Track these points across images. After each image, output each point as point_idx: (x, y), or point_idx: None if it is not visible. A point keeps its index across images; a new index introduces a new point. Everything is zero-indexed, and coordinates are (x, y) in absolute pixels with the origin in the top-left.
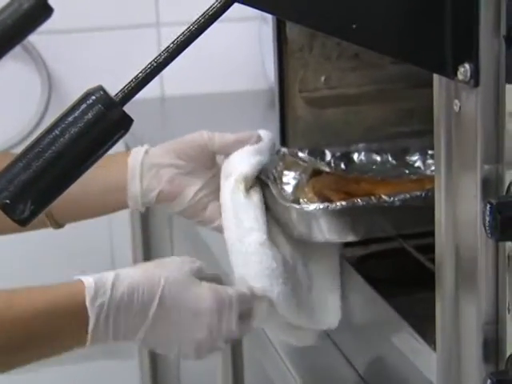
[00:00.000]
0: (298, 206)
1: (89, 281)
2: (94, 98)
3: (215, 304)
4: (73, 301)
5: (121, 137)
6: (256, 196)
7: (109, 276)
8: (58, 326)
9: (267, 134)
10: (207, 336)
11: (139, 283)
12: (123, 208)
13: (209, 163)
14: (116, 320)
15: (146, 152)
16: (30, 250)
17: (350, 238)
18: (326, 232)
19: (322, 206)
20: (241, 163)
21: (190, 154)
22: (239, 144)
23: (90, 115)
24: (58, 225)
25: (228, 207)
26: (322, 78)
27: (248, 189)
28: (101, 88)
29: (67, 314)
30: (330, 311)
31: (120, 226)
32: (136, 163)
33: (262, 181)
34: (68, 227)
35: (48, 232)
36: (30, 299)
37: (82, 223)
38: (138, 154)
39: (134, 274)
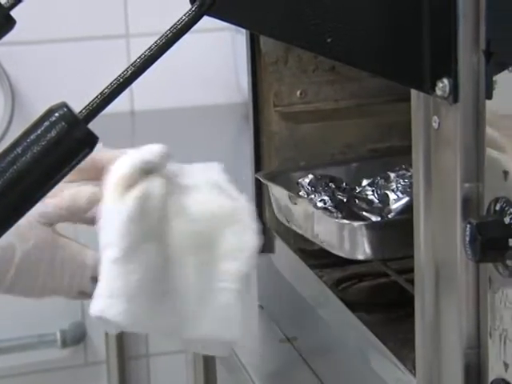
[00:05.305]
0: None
1: None
2: (57, 115)
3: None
4: None
5: (85, 155)
6: (131, 199)
7: None
8: None
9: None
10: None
11: None
12: None
13: (99, 175)
14: None
15: None
16: None
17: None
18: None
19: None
20: (120, 165)
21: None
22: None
23: (52, 133)
24: None
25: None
26: (298, 92)
27: (126, 190)
28: (64, 104)
29: None
30: (230, 323)
31: None
32: None
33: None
34: None
35: None
36: None
37: None
38: None
39: None
